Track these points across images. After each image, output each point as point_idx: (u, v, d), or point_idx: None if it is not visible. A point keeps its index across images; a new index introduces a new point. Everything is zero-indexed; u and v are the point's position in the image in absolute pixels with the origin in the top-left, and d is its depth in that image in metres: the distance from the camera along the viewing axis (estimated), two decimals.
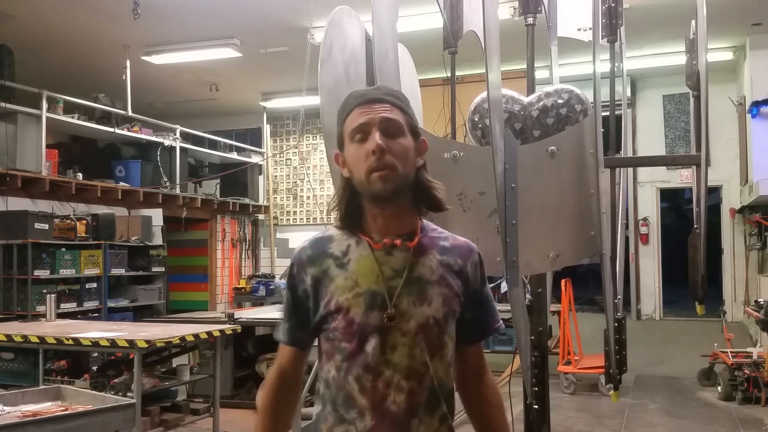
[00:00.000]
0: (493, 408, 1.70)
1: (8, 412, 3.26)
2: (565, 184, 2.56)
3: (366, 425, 1.50)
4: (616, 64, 2.98)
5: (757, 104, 8.42)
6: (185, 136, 9.82)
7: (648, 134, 10.47)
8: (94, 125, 8.49)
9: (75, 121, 8.16)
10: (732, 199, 10.05)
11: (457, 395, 1.66)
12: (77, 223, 7.46)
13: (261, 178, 11.78)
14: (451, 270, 1.59)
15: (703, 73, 2.76)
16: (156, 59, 8.84)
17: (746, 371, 6.55)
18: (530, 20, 2.97)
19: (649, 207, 10.66)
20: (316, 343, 1.64)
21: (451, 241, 1.64)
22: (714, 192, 10.17)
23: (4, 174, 6.88)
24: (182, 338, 4.88)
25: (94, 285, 7.55)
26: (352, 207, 1.60)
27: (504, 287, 7.13)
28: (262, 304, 9.49)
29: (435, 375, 1.53)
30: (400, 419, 1.50)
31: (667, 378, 7.84)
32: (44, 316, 6.05)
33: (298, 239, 1.74)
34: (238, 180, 10.97)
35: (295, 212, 11.99)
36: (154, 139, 9.16)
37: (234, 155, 11.06)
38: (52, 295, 6.10)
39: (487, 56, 2.40)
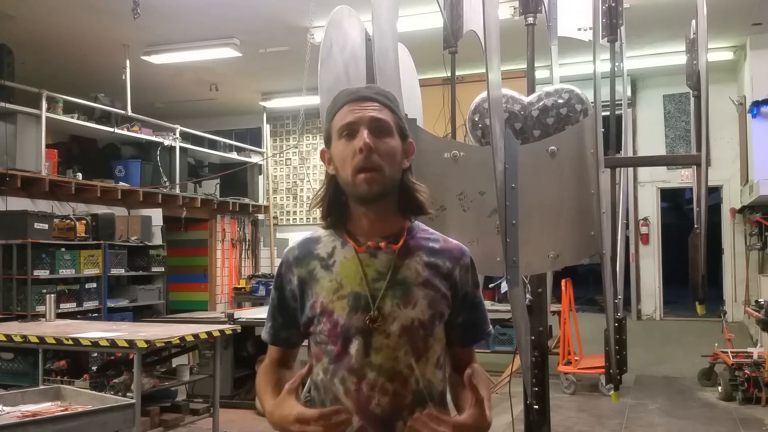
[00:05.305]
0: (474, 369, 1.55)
1: (8, 412, 3.25)
2: (566, 184, 2.56)
3: (352, 428, 1.49)
4: (617, 64, 2.98)
5: (757, 104, 8.42)
6: (185, 136, 9.80)
7: (648, 134, 10.45)
8: (93, 125, 8.48)
9: (75, 120, 8.14)
10: (732, 199, 10.04)
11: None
12: (77, 223, 7.44)
13: (261, 178, 11.76)
14: (439, 272, 1.57)
15: (703, 73, 2.76)
16: (156, 59, 8.83)
17: (747, 371, 6.55)
18: (530, 20, 2.97)
19: (650, 207, 10.65)
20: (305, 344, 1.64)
21: (442, 244, 1.62)
22: (714, 192, 10.16)
23: (3, 174, 6.87)
24: (182, 338, 4.88)
25: (94, 285, 7.53)
26: (336, 205, 1.58)
27: (504, 287, 7.12)
28: (261, 304, 9.46)
29: (421, 377, 1.52)
30: (385, 422, 1.49)
31: (667, 378, 7.84)
32: (44, 316, 6.05)
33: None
34: (237, 180, 10.96)
35: (294, 212, 11.99)
36: (153, 138, 9.14)
37: (234, 155, 11.05)
38: (52, 295, 6.09)
39: (487, 56, 2.39)
